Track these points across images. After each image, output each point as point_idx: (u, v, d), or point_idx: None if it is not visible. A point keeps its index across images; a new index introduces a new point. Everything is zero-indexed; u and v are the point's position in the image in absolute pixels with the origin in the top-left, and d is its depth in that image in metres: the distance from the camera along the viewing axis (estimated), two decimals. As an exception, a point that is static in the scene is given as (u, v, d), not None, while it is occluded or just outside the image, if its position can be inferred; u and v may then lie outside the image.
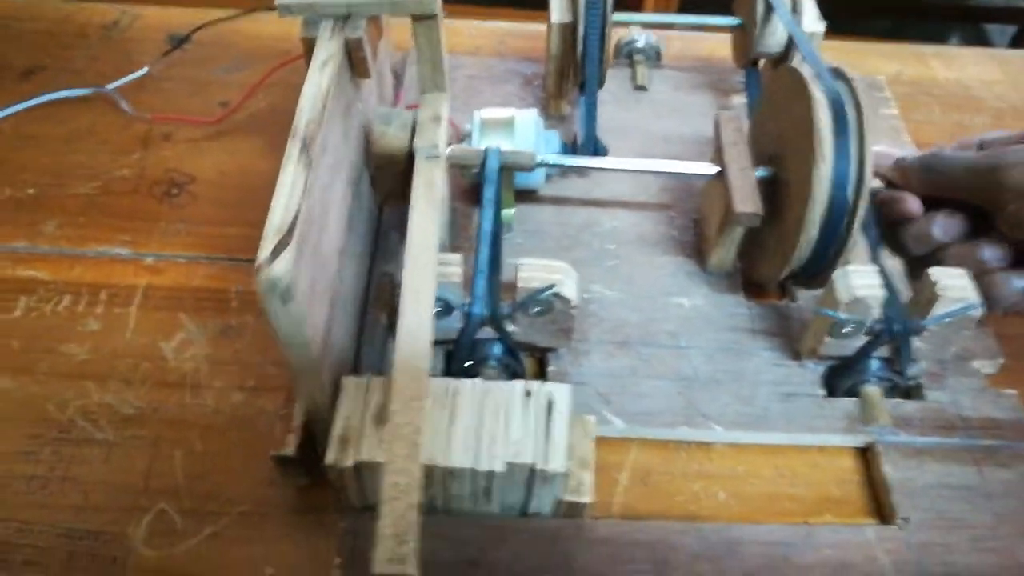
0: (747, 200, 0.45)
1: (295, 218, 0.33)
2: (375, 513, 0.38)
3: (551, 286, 0.41)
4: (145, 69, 0.59)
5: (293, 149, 0.36)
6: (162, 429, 0.44)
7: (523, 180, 0.51)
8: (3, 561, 0.39)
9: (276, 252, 0.32)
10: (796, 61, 0.54)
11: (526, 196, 0.53)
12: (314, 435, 0.41)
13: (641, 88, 0.61)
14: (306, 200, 0.34)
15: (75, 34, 0.64)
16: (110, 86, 0.58)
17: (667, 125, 0.59)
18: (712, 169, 0.48)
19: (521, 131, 0.50)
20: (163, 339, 0.47)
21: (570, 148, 0.53)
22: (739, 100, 0.61)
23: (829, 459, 0.44)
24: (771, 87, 0.48)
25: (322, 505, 0.41)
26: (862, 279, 0.42)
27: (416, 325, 0.37)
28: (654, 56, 0.63)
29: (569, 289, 0.41)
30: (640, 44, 0.62)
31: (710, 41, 0.66)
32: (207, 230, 0.52)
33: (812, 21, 0.54)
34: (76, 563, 0.39)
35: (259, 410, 0.44)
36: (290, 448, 0.39)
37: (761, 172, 0.46)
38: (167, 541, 0.40)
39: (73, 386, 0.45)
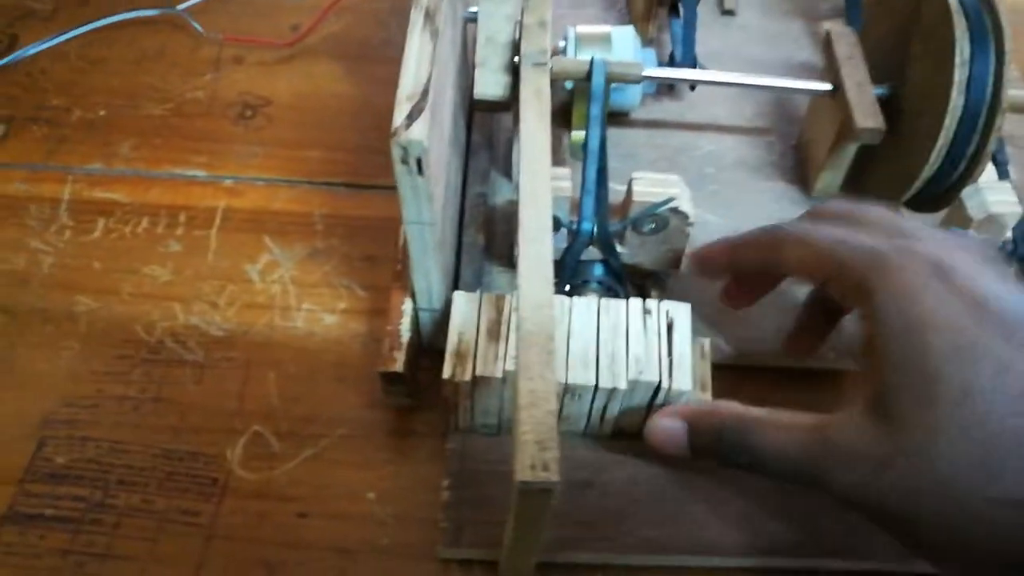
0: (868, 115, 0.42)
1: (427, 82, 0.32)
2: (486, 429, 0.36)
3: (669, 199, 0.39)
4: None
5: (417, 17, 0.35)
6: (253, 351, 0.42)
7: (616, 101, 0.49)
8: (98, 480, 0.38)
9: (412, 117, 0.31)
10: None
11: (618, 119, 0.51)
12: (416, 357, 0.39)
13: (729, 13, 0.58)
14: (435, 67, 0.33)
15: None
16: (180, 7, 0.56)
17: (757, 51, 0.56)
18: (825, 86, 0.45)
19: (619, 47, 0.47)
20: (247, 262, 0.45)
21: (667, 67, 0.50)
22: (831, 27, 0.58)
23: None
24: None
25: (423, 429, 0.40)
26: (996, 195, 0.39)
27: (538, 232, 0.35)
28: None
29: (686, 204, 0.39)
30: None
31: None
32: (285, 153, 0.50)
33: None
34: (175, 483, 0.38)
35: (352, 333, 0.43)
36: (398, 364, 0.37)
37: (878, 90, 0.44)
38: (265, 464, 0.38)
39: (159, 307, 0.43)
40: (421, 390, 0.40)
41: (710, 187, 0.48)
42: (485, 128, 0.49)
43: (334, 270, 0.45)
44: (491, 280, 0.43)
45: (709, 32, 0.57)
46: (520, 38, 0.41)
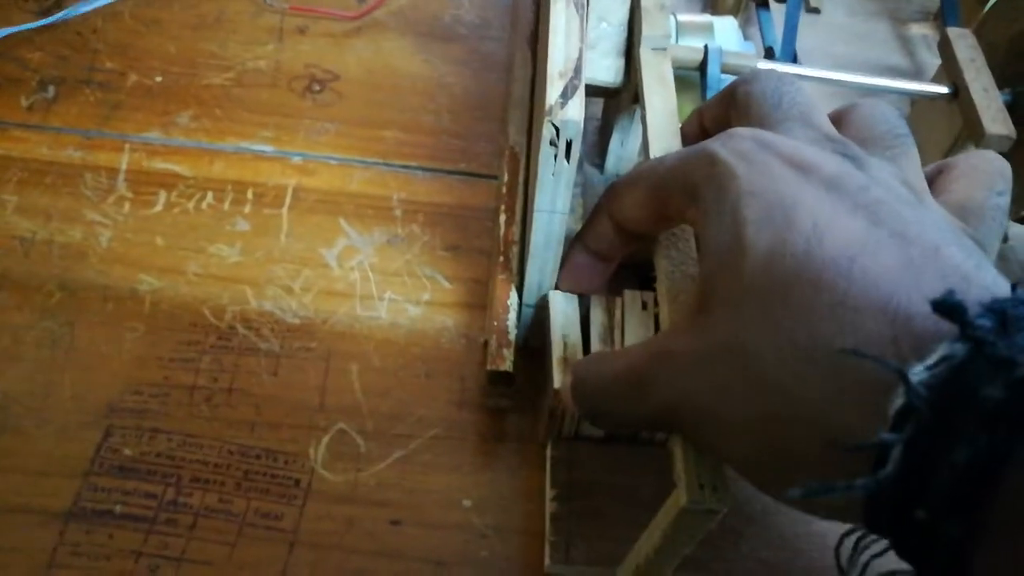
0: (998, 120, 0.40)
1: (578, 59, 0.30)
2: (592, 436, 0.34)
3: None
4: None
5: None
6: (333, 342, 0.39)
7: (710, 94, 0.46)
8: (170, 476, 0.34)
9: (566, 95, 0.29)
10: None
11: None
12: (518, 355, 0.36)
13: (814, 11, 0.56)
14: (584, 46, 0.30)
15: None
16: None
17: (845, 51, 0.54)
18: (942, 89, 0.43)
19: (722, 38, 0.45)
20: (323, 245, 0.42)
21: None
22: (918, 29, 0.56)
23: None
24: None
25: (516, 432, 0.37)
26: None
27: (674, 233, 0.32)
28: None
29: None
30: None
31: None
32: (358, 132, 0.47)
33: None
34: (253, 483, 0.35)
35: (439, 326, 0.40)
36: (507, 363, 0.34)
37: (1003, 96, 0.41)
38: (352, 465, 0.35)
39: (228, 290, 0.40)
40: (516, 389, 0.37)
41: None
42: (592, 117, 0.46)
43: (416, 259, 0.42)
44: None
45: (798, 30, 0.55)
46: (637, 20, 0.39)
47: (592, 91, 0.40)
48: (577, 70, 0.29)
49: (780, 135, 0.27)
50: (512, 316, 0.36)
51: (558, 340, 0.34)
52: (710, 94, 0.40)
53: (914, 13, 0.57)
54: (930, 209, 0.25)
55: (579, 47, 0.30)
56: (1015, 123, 0.41)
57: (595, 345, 0.34)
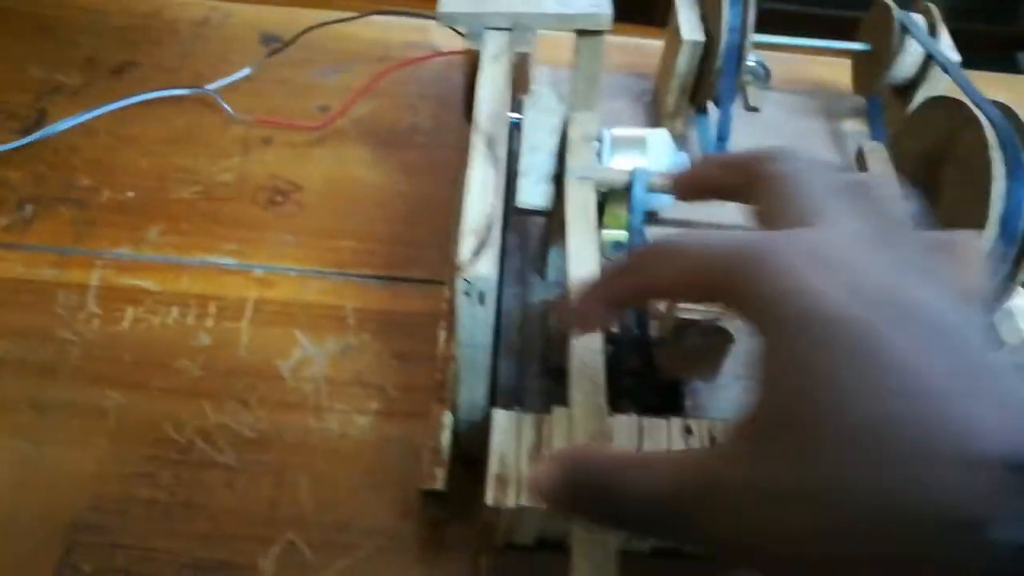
0: None
1: (491, 216, 0.32)
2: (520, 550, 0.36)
3: (715, 318, 0.39)
4: (247, 70, 0.57)
5: (479, 144, 0.35)
6: (286, 454, 0.41)
7: (650, 202, 0.49)
8: (128, 592, 0.37)
9: (478, 252, 0.31)
10: (932, 90, 0.52)
11: (647, 219, 0.51)
12: (455, 467, 0.39)
13: (753, 109, 0.59)
14: (498, 199, 0.33)
15: (166, 30, 0.62)
16: (210, 86, 0.56)
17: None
18: None
19: (654, 150, 0.48)
20: (279, 357, 0.45)
21: None
22: (851, 126, 0.59)
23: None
24: (921, 117, 0.46)
25: (457, 542, 0.39)
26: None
27: (590, 359, 0.35)
28: (764, 77, 0.61)
29: (728, 322, 0.40)
30: (751, 63, 0.60)
31: (818, 65, 0.64)
32: (317, 242, 0.50)
33: (948, 51, 0.52)
34: (205, 596, 0.37)
35: (385, 436, 0.42)
36: (439, 482, 0.37)
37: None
38: (298, 574, 0.38)
39: (189, 405, 0.43)
40: (456, 498, 0.40)
41: None
42: (519, 227, 0.49)
43: (366, 368, 0.45)
44: (529, 384, 0.43)
45: (735, 128, 0.58)
46: (565, 151, 0.42)
47: (526, 212, 0.43)
48: (489, 227, 0.32)
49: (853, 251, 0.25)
50: (446, 435, 0.38)
51: (496, 458, 0.36)
52: (635, 215, 0.42)
53: (847, 110, 0.60)
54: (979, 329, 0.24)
55: (492, 203, 0.33)
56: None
57: (524, 463, 0.36)
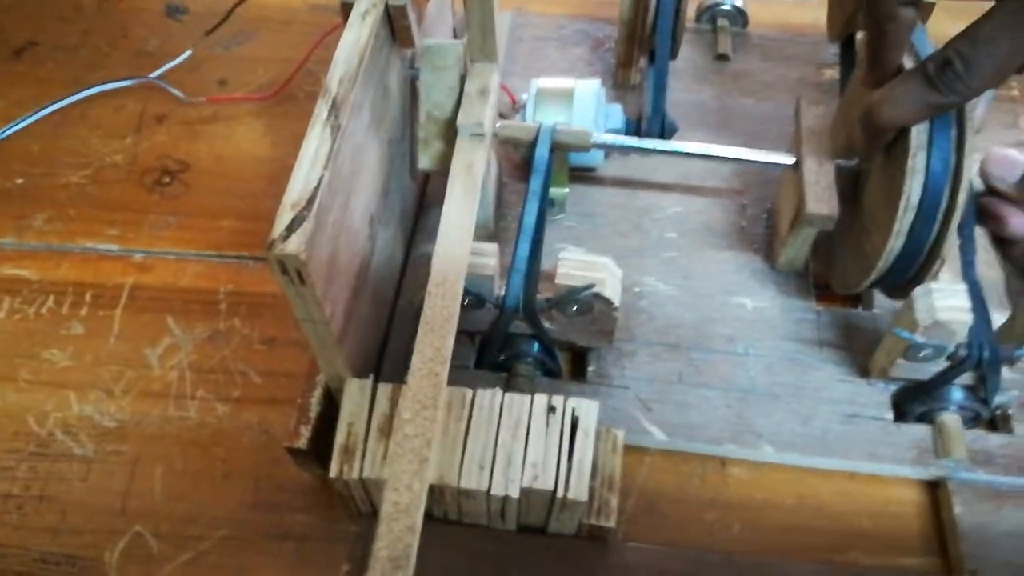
0: (821, 200, 0.40)
1: (316, 189, 0.31)
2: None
3: (590, 286, 0.37)
4: (188, 52, 0.56)
5: (322, 110, 0.33)
6: (143, 444, 0.41)
7: (580, 158, 0.47)
8: (-26, 587, 0.38)
9: (291, 228, 0.30)
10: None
11: (583, 174, 0.49)
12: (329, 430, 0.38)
13: (723, 57, 0.55)
14: (331, 168, 0.32)
15: (69, 5, 0.61)
16: (153, 74, 0.55)
17: (749, 101, 0.53)
18: (788, 159, 0.42)
19: (581, 104, 0.45)
20: (148, 345, 0.45)
21: (635, 124, 0.48)
22: (832, 74, 0.55)
23: (859, 487, 0.40)
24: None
25: (303, 531, 0.39)
26: (947, 299, 0.36)
27: (438, 326, 0.33)
28: (740, 22, 0.57)
29: (612, 290, 0.38)
30: (725, 7, 0.56)
31: (802, 7, 0.59)
32: (198, 223, 0.49)
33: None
34: (49, 590, 0.38)
35: (243, 424, 0.42)
36: (302, 440, 0.36)
37: (843, 163, 0.41)
38: (143, 568, 0.38)
39: (54, 396, 0.43)
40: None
41: (668, 253, 0.46)
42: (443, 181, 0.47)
43: (232, 354, 0.44)
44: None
45: (699, 77, 0.55)
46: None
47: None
48: (311, 200, 0.31)
49: None
50: (317, 393, 0.37)
51: (343, 428, 0.35)
52: (536, 177, 0.40)
53: (830, 57, 0.55)
54: None
55: (320, 175, 0.31)
56: (855, 190, 0.41)
57: (373, 435, 0.35)
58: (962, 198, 0.36)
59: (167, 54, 0.57)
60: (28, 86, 0.56)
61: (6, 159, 0.52)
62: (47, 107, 0.54)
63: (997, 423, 0.41)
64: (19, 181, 0.51)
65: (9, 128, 0.53)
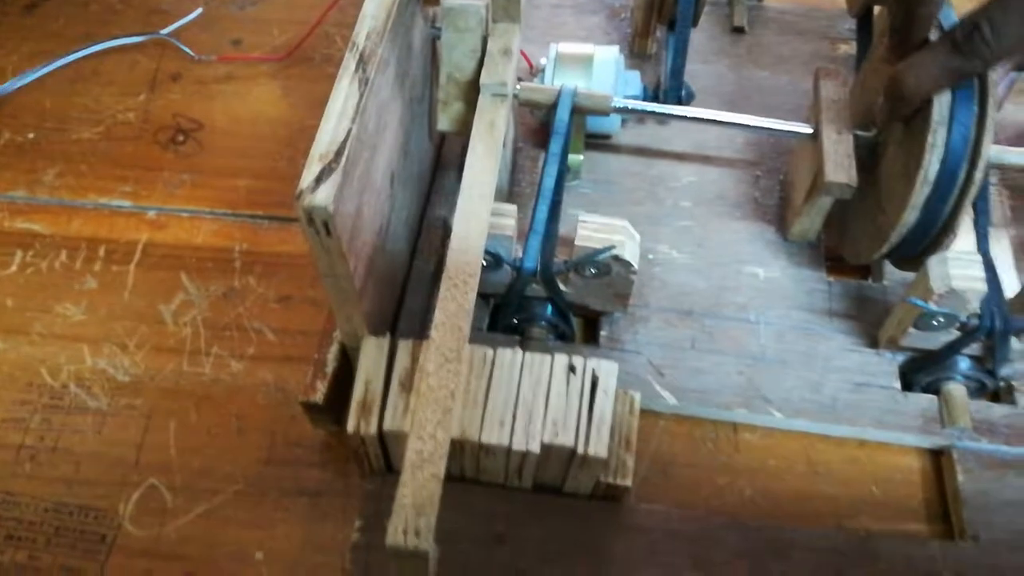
0: (840, 169, 0.40)
1: (344, 142, 0.31)
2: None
3: (610, 247, 0.37)
4: (199, 10, 0.56)
5: (350, 63, 0.33)
6: (157, 399, 0.41)
7: (596, 124, 0.47)
8: (-12, 534, 0.38)
9: (320, 179, 0.30)
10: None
11: (599, 142, 0.49)
12: (345, 387, 0.38)
13: (739, 30, 0.55)
14: (359, 121, 0.31)
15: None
16: (164, 30, 0.55)
17: (764, 74, 0.54)
18: (806, 129, 0.43)
19: (600, 70, 0.46)
20: (162, 301, 0.45)
21: (652, 92, 0.48)
22: (847, 50, 0.55)
23: (868, 455, 0.40)
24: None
25: (317, 487, 0.39)
26: (962, 268, 0.37)
27: (461, 281, 0.33)
28: None
29: (630, 252, 0.38)
30: None
31: None
32: (213, 182, 0.49)
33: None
34: (62, 539, 0.38)
35: (258, 381, 0.42)
36: (318, 395, 0.36)
37: (862, 133, 0.41)
38: (156, 520, 0.38)
39: (67, 349, 0.43)
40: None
41: (682, 222, 0.46)
42: (459, 142, 0.47)
43: (247, 312, 0.44)
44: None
45: (714, 49, 0.55)
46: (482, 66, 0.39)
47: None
48: (339, 153, 0.30)
49: None
50: (333, 349, 0.38)
51: (360, 384, 0.35)
52: (555, 140, 0.40)
53: (846, 32, 0.55)
54: None
55: (348, 128, 0.31)
56: (872, 162, 0.41)
57: (394, 389, 0.35)
58: (979, 175, 0.36)
59: (181, 12, 0.56)
60: (40, 40, 0.55)
61: (18, 113, 0.52)
62: (59, 60, 0.53)
63: (1001, 395, 0.41)
64: (31, 135, 0.51)
65: (20, 79, 0.52)
